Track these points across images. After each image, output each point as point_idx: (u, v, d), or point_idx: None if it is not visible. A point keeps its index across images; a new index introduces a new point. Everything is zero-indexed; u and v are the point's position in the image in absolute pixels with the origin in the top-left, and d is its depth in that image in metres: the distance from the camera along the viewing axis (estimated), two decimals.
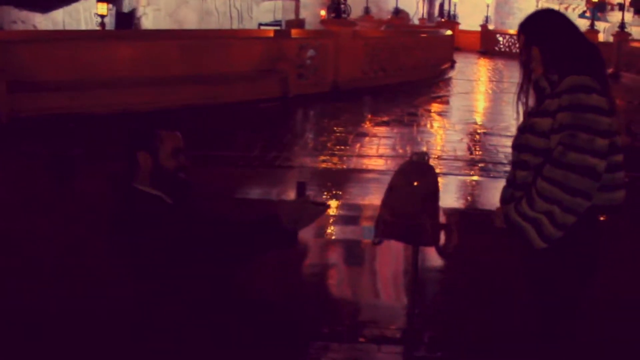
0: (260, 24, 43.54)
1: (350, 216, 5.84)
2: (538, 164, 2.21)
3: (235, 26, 44.72)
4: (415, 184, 3.39)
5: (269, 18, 48.10)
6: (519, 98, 2.44)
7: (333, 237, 5.22)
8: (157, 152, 2.18)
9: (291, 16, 47.72)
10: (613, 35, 23.55)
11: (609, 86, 2.25)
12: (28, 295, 3.77)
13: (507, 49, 30.76)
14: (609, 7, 38.54)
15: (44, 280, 4.03)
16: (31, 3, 44.28)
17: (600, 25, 32.32)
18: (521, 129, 2.35)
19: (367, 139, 9.47)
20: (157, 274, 2.10)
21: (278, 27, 33.59)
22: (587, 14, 32.80)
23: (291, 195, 2.22)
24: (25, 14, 44.11)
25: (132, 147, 2.20)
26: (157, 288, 2.13)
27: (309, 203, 2.18)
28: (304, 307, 3.74)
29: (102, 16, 25.75)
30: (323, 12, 30.61)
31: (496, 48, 31.35)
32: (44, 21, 41.38)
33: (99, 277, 3.75)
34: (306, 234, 4.76)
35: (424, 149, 8.67)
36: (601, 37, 29.00)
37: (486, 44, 32.07)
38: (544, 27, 2.34)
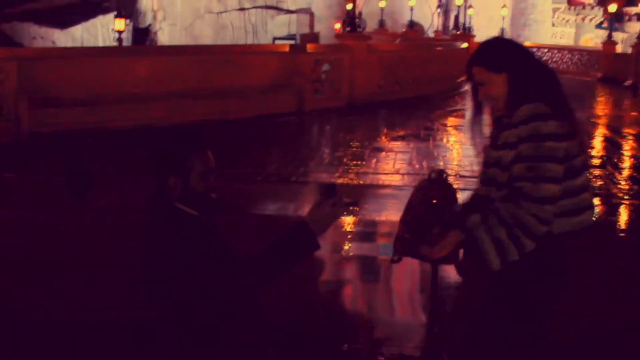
0: (274, 38, 43.79)
1: (368, 232, 5.82)
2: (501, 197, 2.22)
3: (250, 40, 45.03)
4: (434, 201, 3.39)
5: (283, 32, 48.43)
6: (473, 131, 2.45)
7: (351, 254, 5.21)
8: (187, 176, 2.13)
9: (306, 30, 48.00)
10: (632, 46, 23.40)
11: (568, 109, 2.23)
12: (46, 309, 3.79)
13: None
14: (626, 17, 38.32)
15: (60, 292, 4.06)
16: (50, 19, 45.02)
17: (618, 36, 32.10)
18: (486, 164, 2.33)
19: (383, 153, 9.46)
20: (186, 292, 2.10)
21: (292, 41, 33.72)
22: (605, 25, 32.64)
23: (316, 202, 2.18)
24: (44, 30, 44.81)
25: (162, 171, 2.14)
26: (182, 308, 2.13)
27: (339, 206, 2.16)
28: (323, 326, 3.73)
29: (120, 32, 26.08)
30: (338, 26, 30.72)
31: None
32: (62, 37, 42.01)
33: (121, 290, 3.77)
34: (324, 251, 4.74)
35: (441, 164, 8.64)
36: (619, 48, 28.79)
37: None
38: (502, 56, 2.28)
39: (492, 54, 2.27)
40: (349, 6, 14.60)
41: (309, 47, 15.03)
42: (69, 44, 33.04)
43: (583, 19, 41.18)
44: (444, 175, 3.45)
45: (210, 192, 2.18)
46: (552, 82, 2.25)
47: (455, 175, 7.99)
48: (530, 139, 2.12)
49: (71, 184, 6.56)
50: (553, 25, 49.43)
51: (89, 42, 38.00)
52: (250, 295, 2.21)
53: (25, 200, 6.78)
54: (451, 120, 13.35)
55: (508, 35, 38.72)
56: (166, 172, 2.14)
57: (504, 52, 2.26)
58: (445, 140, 11.06)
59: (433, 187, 3.41)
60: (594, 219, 2.30)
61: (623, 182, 8.09)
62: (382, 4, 41.86)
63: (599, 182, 7.89)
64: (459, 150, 10.21)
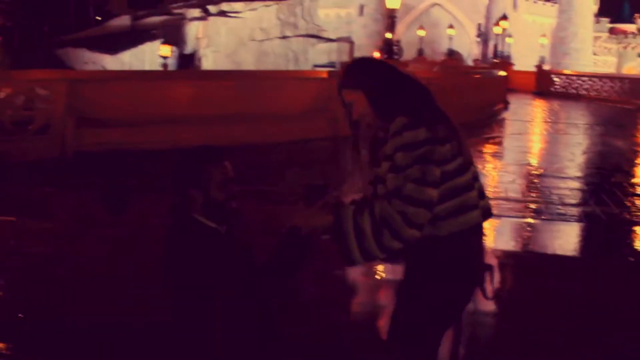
0: (314, 66, 44.35)
1: None
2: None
3: (291, 67, 45.72)
4: None
5: (323, 60, 48.99)
6: (357, 152, 2.39)
7: (375, 275, 5.24)
8: (207, 186, 2.23)
9: (345, 58, 48.48)
10: None
11: (442, 114, 2.24)
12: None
13: (564, 90, 30.34)
14: None
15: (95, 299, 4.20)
16: (102, 45, 46.66)
17: None
18: (373, 182, 2.32)
19: None
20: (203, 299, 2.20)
21: (332, 69, 34.07)
22: None
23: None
24: (95, 56, 46.48)
25: (182, 184, 2.26)
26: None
27: (328, 206, 2.20)
28: (341, 344, 3.76)
29: (165, 57, 26.87)
30: (377, 54, 30.98)
31: (552, 89, 30.96)
32: (112, 62, 43.45)
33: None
34: (346, 271, 4.80)
35: None
36: None
37: (541, 84, 31.73)
38: (359, 74, 2.29)
39: (350, 74, 2.30)
40: (388, 35, 14.76)
41: None
42: (118, 69, 34.09)
43: (625, 47, 40.60)
44: None
45: (231, 201, 2.27)
46: (417, 92, 2.27)
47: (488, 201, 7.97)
48: (403, 149, 2.12)
49: (108, 200, 6.79)
50: (594, 53, 48.80)
51: (136, 67, 39.18)
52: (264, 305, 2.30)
53: (63, 213, 7.04)
54: (487, 147, 13.29)
55: (548, 63, 38.41)
56: (186, 185, 2.25)
57: (360, 70, 2.30)
58: (480, 166, 11.01)
59: None
60: (481, 217, 2.28)
61: None
62: (421, 33, 42.09)
63: None
64: (494, 177, 10.16)
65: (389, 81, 2.25)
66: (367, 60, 2.36)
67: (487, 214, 2.35)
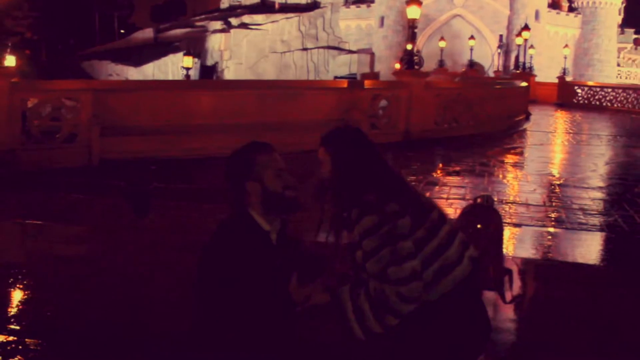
0: (335, 77, 44.55)
1: None
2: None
3: (311, 79, 45.91)
4: (479, 226, 3.44)
5: (344, 71, 49.22)
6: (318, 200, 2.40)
7: None
8: (262, 177, 2.25)
9: (366, 70, 48.62)
10: None
11: (398, 188, 2.27)
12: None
13: (586, 101, 30.10)
14: None
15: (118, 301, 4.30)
16: (126, 58, 47.43)
17: None
18: (349, 250, 2.34)
19: (437, 187, 9.50)
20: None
21: (353, 79, 34.18)
22: None
23: None
24: (120, 68, 47.27)
25: (238, 178, 2.26)
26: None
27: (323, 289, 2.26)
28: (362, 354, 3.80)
29: (188, 69, 27.22)
30: (397, 65, 31.04)
31: (574, 100, 30.73)
32: (136, 74, 44.11)
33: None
34: None
35: (495, 199, 8.60)
36: None
37: (563, 96, 31.51)
38: (334, 139, 2.33)
39: (332, 136, 2.35)
40: (409, 46, 14.82)
41: (367, 83, 15.29)
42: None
43: None
44: (491, 200, 3.52)
45: (287, 190, 2.29)
46: (380, 168, 2.30)
47: (509, 207, 7.96)
48: (366, 235, 2.18)
49: (133, 202, 6.94)
50: (618, 65, 48.35)
51: (159, 78, 39.75)
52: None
53: (91, 218, 7.19)
54: (508, 157, 13.25)
55: (570, 75, 38.13)
56: (242, 178, 2.26)
57: (339, 138, 2.33)
58: (501, 176, 11.00)
59: (478, 212, 3.49)
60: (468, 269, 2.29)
61: None
62: (441, 44, 42.08)
63: None
64: (514, 186, 10.13)
65: (355, 160, 2.29)
66: (350, 132, 2.37)
67: (475, 261, 2.39)
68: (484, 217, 3.45)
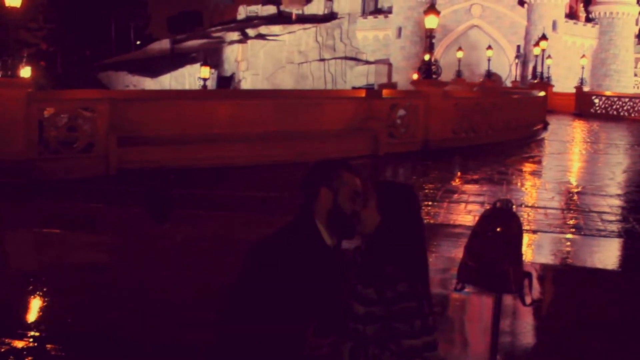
0: (353, 88, 44.60)
1: (437, 269, 5.86)
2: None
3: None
4: (498, 229, 3.44)
5: (362, 82, 49.25)
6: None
7: None
8: (338, 192, 2.23)
9: (384, 80, 48.65)
10: None
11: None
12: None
13: (604, 111, 29.86)
14: None
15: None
16: (142, 69, 47.89)
17: None
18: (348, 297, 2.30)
19: (455, 195, 9.48)
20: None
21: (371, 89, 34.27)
22: None
23: None
24: (137, 79, 47.74)
25: (316, 181, 2.25)
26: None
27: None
28: None
29: (205, 79, 27.41)
30: (415, 76, 31.09)
31: (592, 110, 30.49)
32: (152, 85, 44.50)
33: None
34: None
35: (514, 207, 8.56)
36: None
37: (581, 106, 31.29)
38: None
39: (387, 195, 2.32)
40: (427, 56, 14.84)
41: (385, 92, 15.32)
42: None
43: None
44: (510, 205, 3.52)
45: (353, 217, 2.24)
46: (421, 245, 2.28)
47: (527, 216, 7.94)
48: (401, 298, 2.14)
49: (153, 208, 7.00)
50: (635, 75, 47.98)
51: (176, 89, 40.02)
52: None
53: (109, 227, 7.28)
54: (526, 166, 13.18)
55: (588, 85, 37.85)
56: (320, 183, 2.25)
57: (395, 200, 2.29)
58: (519, 184, 10.95)
59: (498, 215, 3.49)
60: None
61: None
62: (459, 55, 42.03)
63: None
64: (532, 194, 10.09)
65: (405, 236, 2.25)
66: (412, 201, 2.35)
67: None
68: (504, 220, 3.47)
